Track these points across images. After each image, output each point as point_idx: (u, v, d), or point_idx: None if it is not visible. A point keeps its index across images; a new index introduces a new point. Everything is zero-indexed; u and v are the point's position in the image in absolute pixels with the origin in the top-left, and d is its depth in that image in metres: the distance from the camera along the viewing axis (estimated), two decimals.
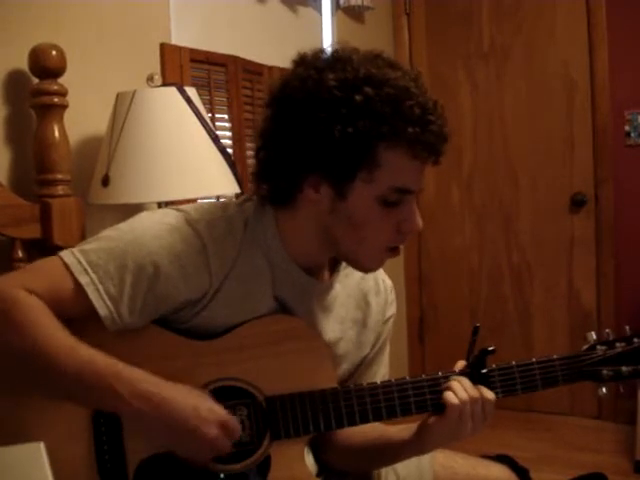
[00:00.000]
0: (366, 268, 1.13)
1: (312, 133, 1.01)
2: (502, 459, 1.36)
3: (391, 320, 1.29)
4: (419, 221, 1.07)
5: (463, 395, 1.08)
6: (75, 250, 1.06)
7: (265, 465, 1.09)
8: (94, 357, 0.99)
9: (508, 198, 3.37)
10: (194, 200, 1.80)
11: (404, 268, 3.56)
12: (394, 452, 1.19)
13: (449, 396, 1.08)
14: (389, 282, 1.30)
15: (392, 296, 1.29)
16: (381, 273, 1.28)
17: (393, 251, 1.10)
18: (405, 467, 1.29)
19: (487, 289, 3.45)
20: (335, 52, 1.04)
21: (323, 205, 1.06)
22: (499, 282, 3.42)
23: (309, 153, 1.02)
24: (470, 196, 3.45)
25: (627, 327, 1.20)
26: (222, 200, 1.19)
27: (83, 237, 1.67)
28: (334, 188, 1.04)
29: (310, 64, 1.04)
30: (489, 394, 1.10)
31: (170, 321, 1.09)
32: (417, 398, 1.11)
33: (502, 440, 2.86)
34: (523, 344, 3.35)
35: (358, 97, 0.98)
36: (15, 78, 1.68)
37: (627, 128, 3.09)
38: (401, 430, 1.17)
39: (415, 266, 3.58)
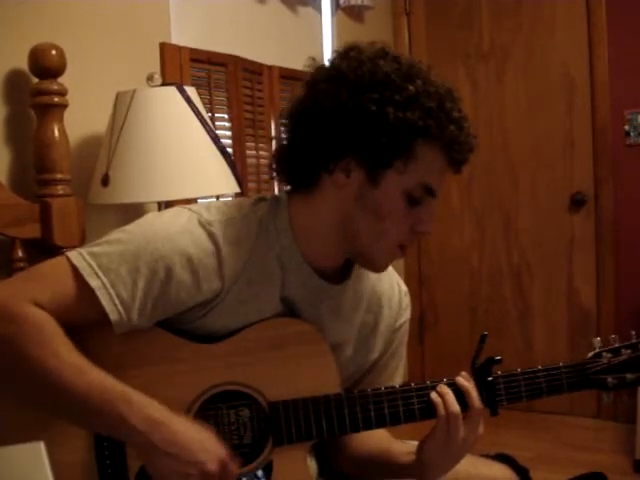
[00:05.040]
0: (377, 266, 1.12)
1: (362, 113, 1.00)
2: (502, 458, 1.36)
3: (405, 326, 1.27)
4: (433, 225, 1.08)
5: (449, 397, 1.08)
6: (84, 252, 1.03)
7: (267, 470, 1.08)
8: (104, 382, 0.97)
9: (508, 198, 3.37)
10: (194, 200, 1.80)
11: (404, 268, 3.56)
12: (395, 472, 1.19)
13: (434, 396, 1.08)
14: (404, 287, 1.28)
15: (406, 301, 1.27)
16: (396, 277, 1.27)
17: (402, 250, 1.10)
18: None
19: (487, 289, 3.45)
20: (384, 48, 1.06)
21: (350, 191, 1.05)
22: (499, 282, 3.42)
23: (353, 133, 1.02)
24: (470, 196, 3.45)
25: (633, 332, 1.18)
26: (235, 199, 1.17)
27: (83, 237, 1.67)
28: (367, 173, 1.03)
29: (363, 51, 1.05)
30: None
31: (174, 322, 1.08)
32: (420, 405, 1.10)
33: (502, 439, 2.85)
34: (523, 344, 3.35)
35: (412, 87, 1.00)
36: (15, 78, 1.68)
37: (627, 128, 3.09)
38: (403, 454, 1.17)
39: (415, 266, 3.58)
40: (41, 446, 0.75)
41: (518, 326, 3.38)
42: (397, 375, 1.27)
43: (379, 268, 1.13)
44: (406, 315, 1.27)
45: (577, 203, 3.21)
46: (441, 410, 1.07)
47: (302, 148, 1.07)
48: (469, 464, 1.33)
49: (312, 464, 1.19)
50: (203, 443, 0.98)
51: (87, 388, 0.95)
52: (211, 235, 1.05)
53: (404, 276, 3.56)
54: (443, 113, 1.01)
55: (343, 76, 1.03)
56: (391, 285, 1.24)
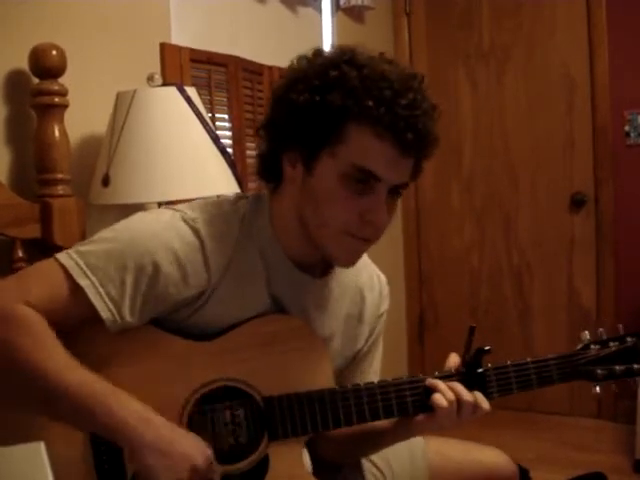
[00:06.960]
0: (336, 258, 1.10)
1: (288, 103, 1.04)
2: None
3: (385, 314, 1.29)
4: (384, 216, 1.04)
5: (451, 396, 1.08)
6: (72, 252, 1.04)
7: (263, 465, 1.09)
8: (92, 379, 0.98)
9: (508, 198, 3.37)
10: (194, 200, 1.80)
11: (404, 268, 3.57)
12: (377, 440, 1.21)
13: (438, 399, 1.08)
14: (383, 277, 1.30)
15: (386, 291, 1.30)
16: (375, 269, 1.29)
17: (361, 240, 1.06)
18: (398, 460, 1.32)
19: (487, 289, 3.45)
20: (351, 50, 1.06)
21: (298, 182, 1.07)
22: (499, 282, 3.42)
23: (286, 125, 1.05)
24: (470, 196, 3.45)
25: (620, 326, 1.22)
26: (214, 199, 1.19)
27: (83, 237, 1.67)
28: (304, 163, 1.05)
29: (321, 54, 1.07)
30: (485, 404, 1.10)
31: (167, 320, 1.09)
32: (414, 398, 1.11)
33: (502, 440, 2.85)
34: (523, 344, 3.35)
35: (333, 72, 1.01)
36: (15, 78, 1.68)
37: (627, 128, 3.09)
38: (384, 423, 1.18)
39: (415, 266, 3.58)
40: (41, 446, 0.76)
41: (518, 326, 3.38)
42: (376, 362, 1.29)
43: (340, 261, 1.11)
44: (386, 304, 1.29)
45: (577, 203, 3.21)
46: (440, 401, 1.08)
47: (264, 143, 1.13)
48: (462, 450, 1.35)
49: (306, 457, 1.19)
50: (188, 439, 0.99)
51: (77, 384, 0.96)
52: (195, 231, 1.07)
53: (404, 276, 3.56)
54: (368, 92, 0.99)
55: (290, 74, 1.07)
56: (370, 277, 1.27)
